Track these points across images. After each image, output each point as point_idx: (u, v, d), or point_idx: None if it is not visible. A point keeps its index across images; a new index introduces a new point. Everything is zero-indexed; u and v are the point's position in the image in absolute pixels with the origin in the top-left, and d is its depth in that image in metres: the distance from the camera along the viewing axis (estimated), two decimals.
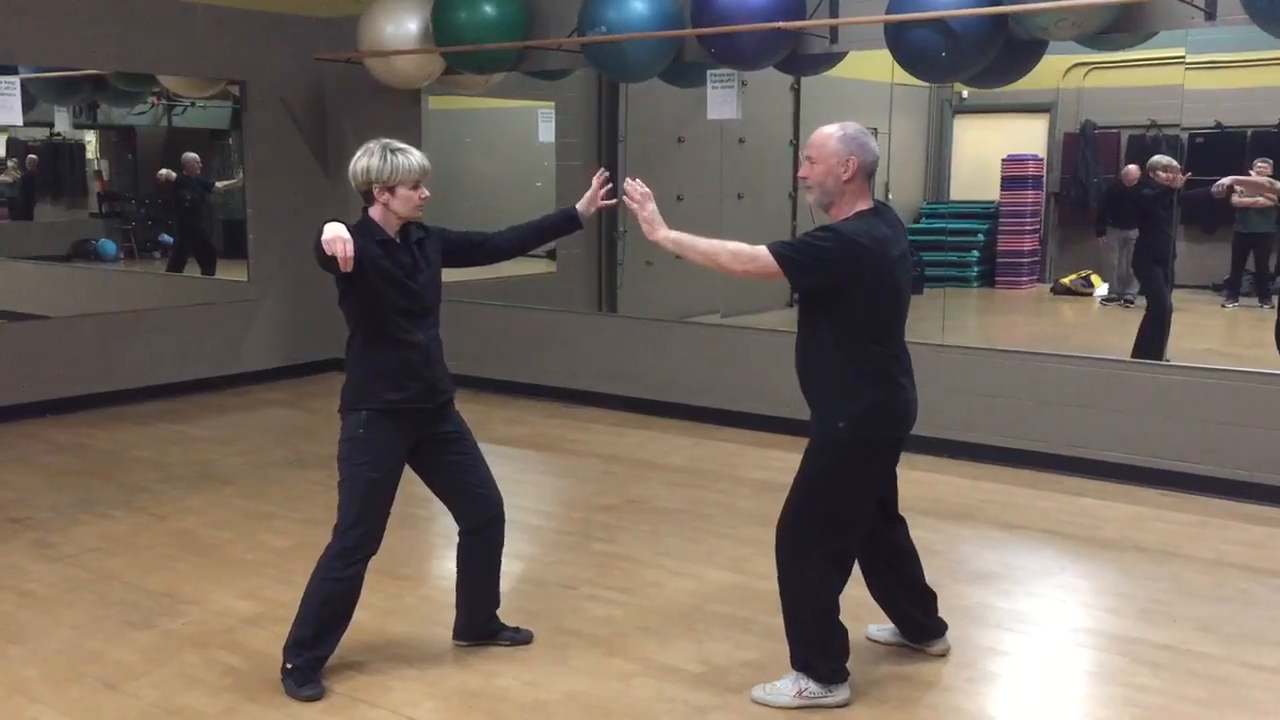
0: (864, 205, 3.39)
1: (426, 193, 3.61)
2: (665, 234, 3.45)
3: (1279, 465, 5.63)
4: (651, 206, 3.48)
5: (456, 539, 3.90)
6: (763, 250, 3.32)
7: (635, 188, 3.50)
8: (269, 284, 8.81)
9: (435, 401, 3.72)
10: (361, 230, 3.54)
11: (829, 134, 3.37)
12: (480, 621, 3.98)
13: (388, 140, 3.59)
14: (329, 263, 3.35)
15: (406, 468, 3.78)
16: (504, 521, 3.92)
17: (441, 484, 3.86)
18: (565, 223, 4.08)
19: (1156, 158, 8.77)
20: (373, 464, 3.61)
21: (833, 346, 3.39)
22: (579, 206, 3.99)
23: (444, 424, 3.79)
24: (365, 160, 3.54)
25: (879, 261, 3.31)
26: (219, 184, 10.87)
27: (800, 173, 3.45)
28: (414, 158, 3.56)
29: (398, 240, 3.62)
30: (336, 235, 3.32)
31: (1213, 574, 4.79)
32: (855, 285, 3.31)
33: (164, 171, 11.02)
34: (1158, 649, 4.01)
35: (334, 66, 8.43)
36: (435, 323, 3.75)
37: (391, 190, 3.54)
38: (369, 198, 3.58)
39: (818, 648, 3.52)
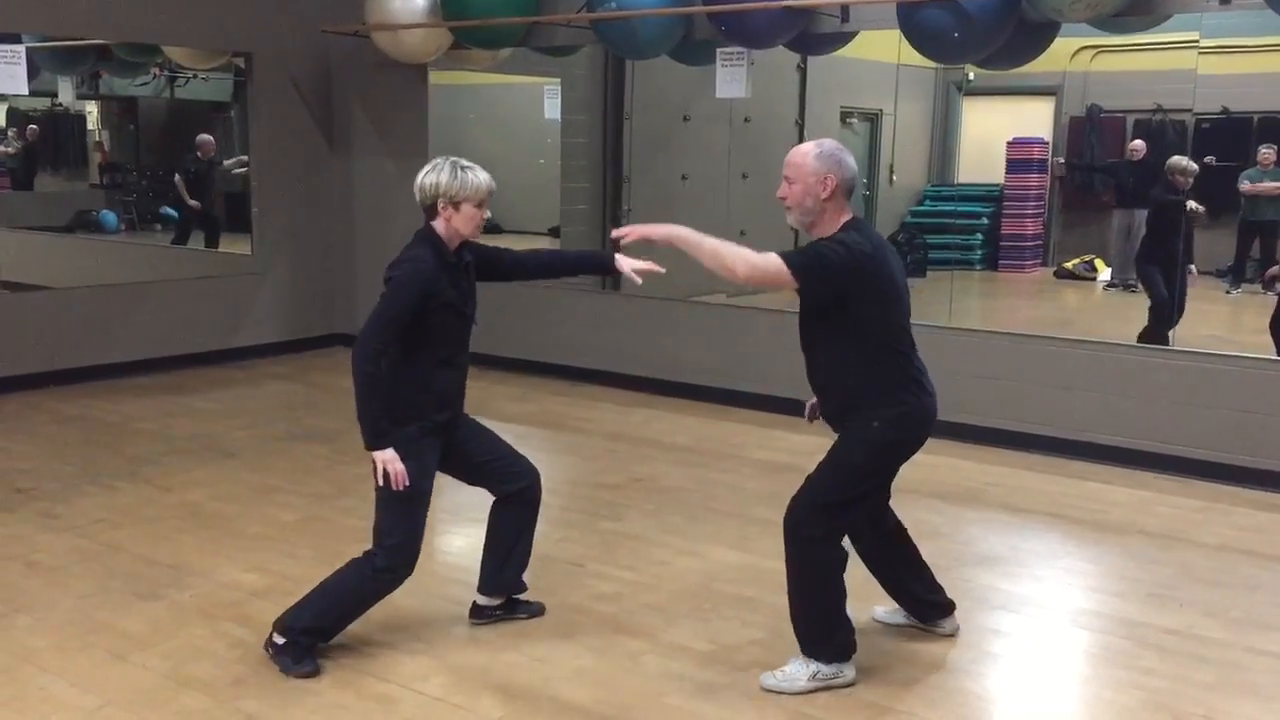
0: (846, 218, 3.37)
1: (489, 213, 3.65)
2: (662, 231, 3.46)
3: None
4: (643, 230, 3.57)
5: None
6: (774, 257, 3.27)
7: (626, 237, 3.60)
8: (272, 258, 8.79)
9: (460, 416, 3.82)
10: (432, 247, 3.56)
11: (805, 152, 3.36)
12: (511, 577, 3.96)
13: (456, 158, 3.62)
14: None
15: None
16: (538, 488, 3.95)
17: (471, 473, 3.89)
18: (597, 265, 4.29)
19: (1176, 159, 8.14)
20: (421, 473, 3.59)
21: (855, 359, 3.39)
22: (618, 260, 3.91)
23: (460, 425, 3.84)
24: (434, 176, 3.56)
25: (882, 268, 3.33)
26: (225, 162, 10.77)
27: (779, 193, 3.42)
28: (482, 176, 3.59)
29: (457, 263, 3.64)
30: (392, 468, 3.47)
31: (1218, 559, 4.81)
32: (866, 294, 3.31)
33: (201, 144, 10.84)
34: (1163, 633, 4.03)
35: (340, 39, 8.38)
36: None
37: (457, 206, 3.56)
38: (432, 212, 3.59)
39: (819, 626, 3.52)
